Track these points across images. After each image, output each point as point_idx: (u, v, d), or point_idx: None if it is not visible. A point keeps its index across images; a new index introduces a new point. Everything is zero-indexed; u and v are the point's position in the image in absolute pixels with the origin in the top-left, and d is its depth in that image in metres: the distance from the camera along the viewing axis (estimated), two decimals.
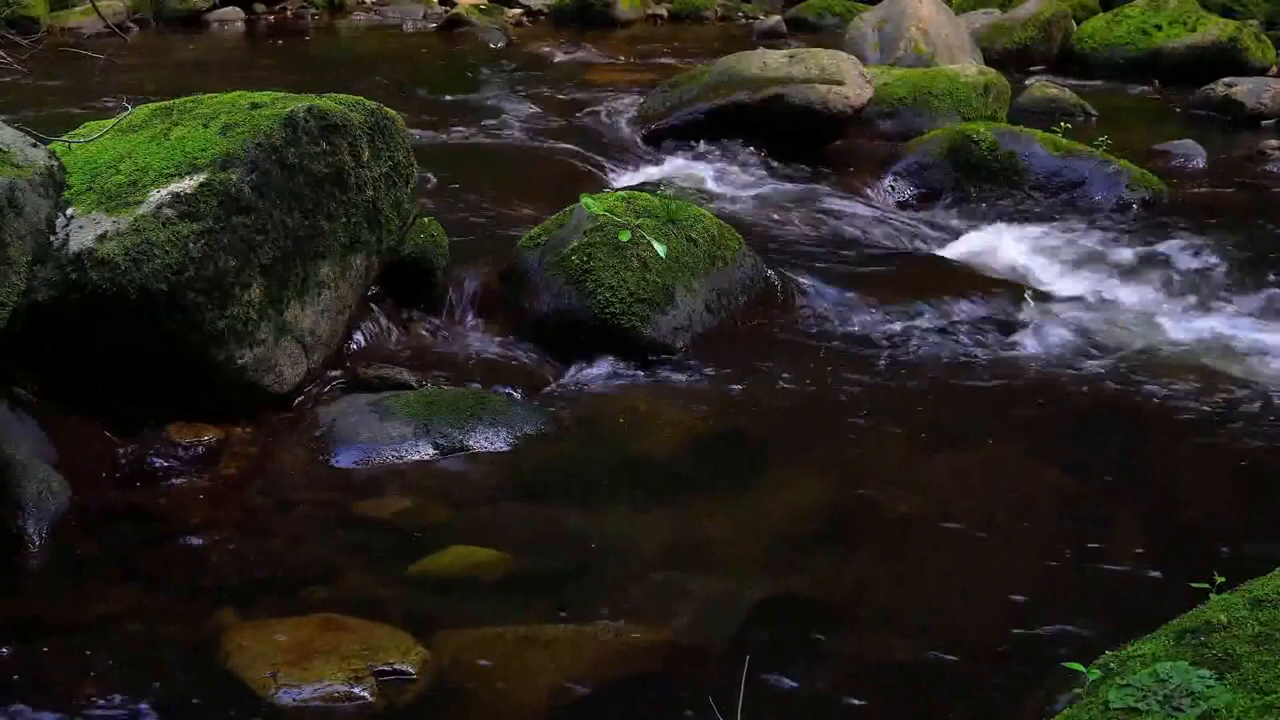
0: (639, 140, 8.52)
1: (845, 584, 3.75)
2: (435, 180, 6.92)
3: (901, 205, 7.67)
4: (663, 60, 12.20)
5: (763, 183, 7.75)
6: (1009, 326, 5.65)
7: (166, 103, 4.84)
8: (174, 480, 4.16)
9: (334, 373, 4.86)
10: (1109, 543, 3.92)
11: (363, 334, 5.15)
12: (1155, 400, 4.93)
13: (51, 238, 3.85)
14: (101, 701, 3.07)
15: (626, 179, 7.70)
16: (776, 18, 15.27)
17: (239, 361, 4.40)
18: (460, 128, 8.83)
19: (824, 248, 6.67)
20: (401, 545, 3.84)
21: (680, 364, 5.20)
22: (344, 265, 4.82)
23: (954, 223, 7.36)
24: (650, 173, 7.85)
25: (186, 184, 4.28)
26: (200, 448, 4.30)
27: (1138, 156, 8.28)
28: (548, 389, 5.00)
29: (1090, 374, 5.18)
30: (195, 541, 3.84)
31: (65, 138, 4.34)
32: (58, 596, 3.59)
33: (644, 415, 4.77)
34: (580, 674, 3.23)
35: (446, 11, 14.96)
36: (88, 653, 3.26)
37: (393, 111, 5.11)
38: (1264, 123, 10.10)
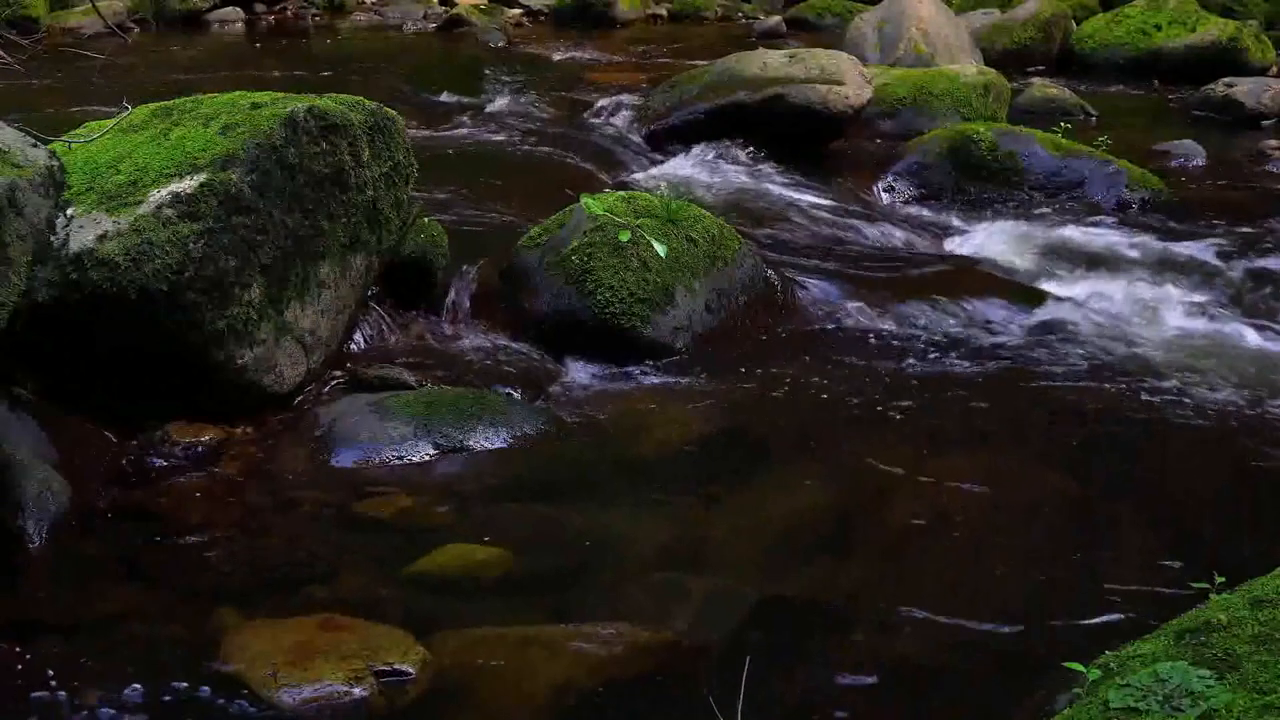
0: (639, 140, 8.51)
1: (845, 584, 3.75)
2: (435, 180, 6.91)
3: (901, 205, 7.68)
4: (663, 60, 12.20)
5: (763, 183, 7.75)
6: (1008, 327, 5.65)
7: (166, 103, 4.84)
8: (174, 480, 4.16)
9: (334, 373, 4.86)
10: (1109, 543, 3.93)
11: (363, 334, 5.15)
12: (1155, 400, 4.93)
13: (51, 238, 3.85)
14: (101, 702, 3.07)
15: (626, 179, 7.69)
16: (776, 18, 15.27)
17: (239, 361, 4.40)
18: (460, 128, 8.83)
19: (824, 248, 6.67)
20: (401, 545, 3.84)
21: (680, 364, 5.20)
22: (344, 265, 4.82)
23: (954, 223, 7.36)
24: (650, 173, 7.85)
25: (186, 184, 4.28)
26: (200, 448, 4.31)
27: (1138, 156, 8.28)
28: (547, 389, 5.00)
29: (1089, 374, 5.18)
30: (195, 541, 3.84)
31: (65, 138, 4.34)
32: (58, 596, 3.59)
33: (643, 415, 4.77)
34: (580, 674, 3.23)
35: (446, 11, 14.96)
36: (88, 653, 3.26)
37: (393, 111, 5.11)
38: (1264, 123, 10.10)
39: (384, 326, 5.26)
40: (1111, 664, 2.53)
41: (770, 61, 8.47)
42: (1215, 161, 8.84)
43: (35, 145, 3.81)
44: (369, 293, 5.18)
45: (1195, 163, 8.80)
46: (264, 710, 3.04)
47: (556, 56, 12.52)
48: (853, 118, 8.28)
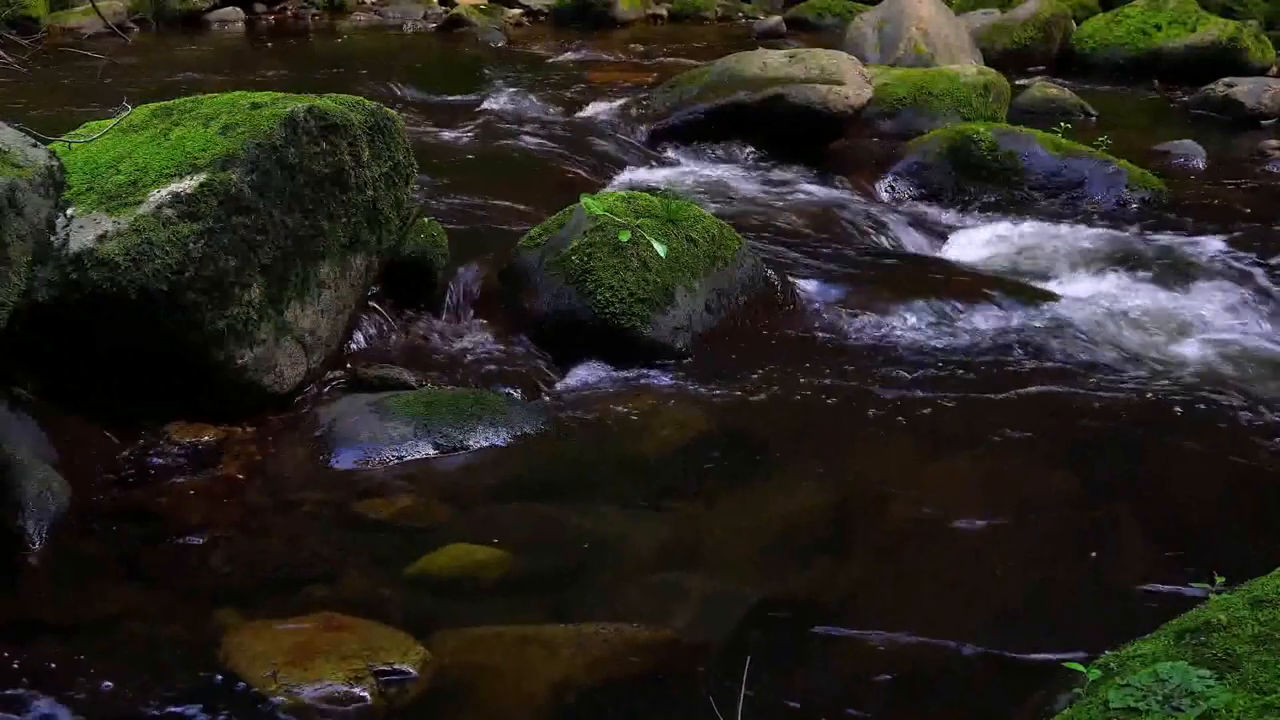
0: (639, 140, 8.52)
1: (845, 584, 3.75)
2: (435, 180, 6.92)
3: (901, 205, 7.68)
4: (663, 60, 12.20)
5: (763, 183, 7.75)
6: (1008, 327, 5.65)
7: (166, 103, 4.84)
8: (174, 480, 4.16)
9: (334, 373, 4.86)
10: (1109, 543, 3.93)
11: (363, 334, 5.15)
12: (1155, 400, 4.93)
13: (51, 238, 3.85)
14: (102, 701, 3.07)
15: (626, 179, 7.69)
16: (776, 18, 15.29)
17: (239, 361, 4.40)
18: (460, 128, 8.83)
19: (824, 248, 6.67)
20: (401, 545, 3.84)
21: (680, 364, 5.20)
22: (344, 265, 4.82)
23: (954, 223, 7.36)
24: (650, 173, 7.86)
25: (186, 184, 4.28)
26: (200, 448, 4.31)
27: (1138, 156, 8.29)
28: (547, 389, 5.00)
29: (1089, 374, 5.18)
30: (195, 541, 3.84)
31: (65, 138, 4.34)
32: (58, 596, 3.59)
33: (643, 415, 4.77)
34: (580, 674, 3.23)
35: (446, 11, 14.96)
36: (88, 653, 3.26)
37: (393, 111, 5.11)
38: (1264, 123, 10.11)
39: (384, 326, 5.27)
40: (1111, 664, 2.52)
41: (770, 61, 8.48)
42: (1215, 161, 8.85)
43: (35, 145, 3.81)
44: (369, 293, 5.18)
45: (1195, 163, 8.80)
46: (264, 710, 3.04)
47: (556, 56, 12.52)
48: (853, 118, 8.28)
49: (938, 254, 6.86)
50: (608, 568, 3.79)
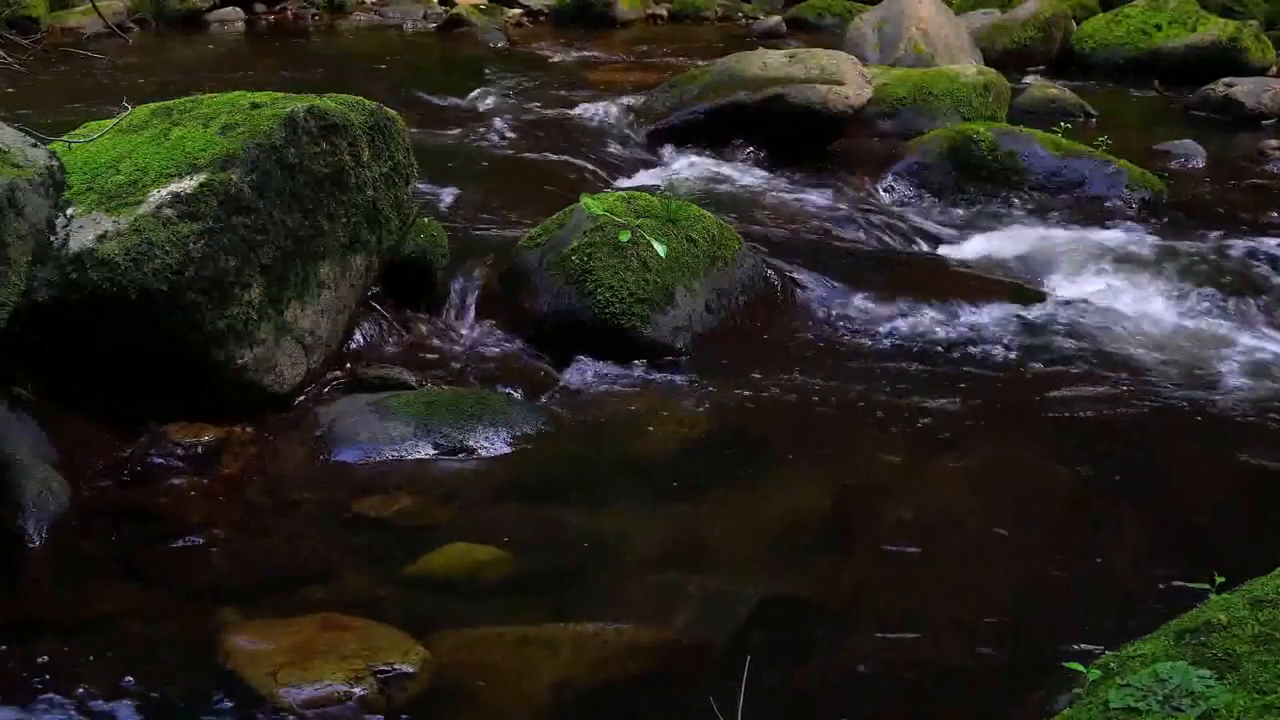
0: (639, 140, 8.52)
1: (845, 584, 3.75)
2: (435, 180, 6.92)
3: (901, 205, 7.67)
4: (663, 60, 12.20)
5: (763, 183, 7.75)
6: (1008, 327, 5.65)
7: (166, 103, 4.84)
8: (174, 480, 4.15)
9: (334, 373, 4.86)
10: (1109, 543, 3.93)
11: (363, 334, 5.15)
12: (1155, 400, 4.94)
13: (51, 238, 3.85)
14: (101, 701, 3.07)
15: (626, 179, 7.69)
16: (776, 18, 15.27)
17: (239, 361, 4.40)
18: (460, 128, 8.83)
19: (824, 248, 6.67)
20: (401, 545, 3.84)
21: (680, 364, 5.20)
22: (344, 265, 4.82)
23: (954, 223, 7.36)
24: (650, 173, 7.85)
25: (186, 184, 4.28)
26: (200, 448, 4.30)
27: (1138, 156, 8.28)
28: (548, 389, 5.00)
29: (1089, 374, 5.18)
30: (195, 541, 3.84)
31: (65, 138, 4.34)
32: (58, 596, 3.59)
33: (644, 415, 4.77)
34: (580, 674, 3.23)
35: (446, 11, 14.95)
36: (88, 652, 3.26)
37: (393, 111, 5.11)
38: (1264, 123, 10.11)
39: (384, 326, 5.26)
40: (1111, 664, 2.52)
41: (770, 61, 8.47)
42: (1215, 161, 8.85)
43: (35, 145, 3.81)
44: (369, 293, 5.18)
45: (1195, 163, 8.80)
46: (263, 710, 3.04)
47: (556, 56, 12.52)
48: (853, 118, 8.28)
49: (937, 254, 6.85)
50: (608, 568, 3.79)
